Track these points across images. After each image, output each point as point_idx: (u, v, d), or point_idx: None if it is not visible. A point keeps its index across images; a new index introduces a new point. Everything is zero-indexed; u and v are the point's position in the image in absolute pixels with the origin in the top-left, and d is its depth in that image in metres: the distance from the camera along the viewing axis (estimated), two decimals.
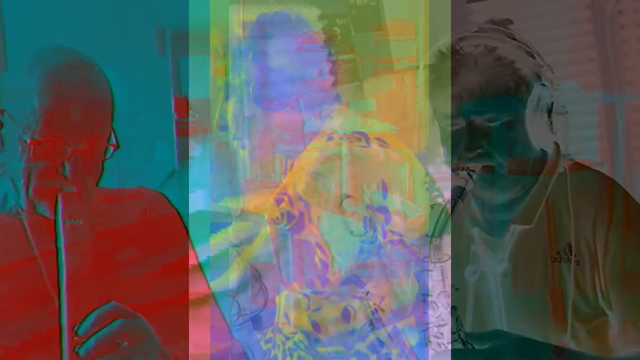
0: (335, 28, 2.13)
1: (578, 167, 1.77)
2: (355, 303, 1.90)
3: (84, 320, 1.43)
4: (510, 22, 1.75)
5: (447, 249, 1.62)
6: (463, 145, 1.70)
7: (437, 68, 1.73)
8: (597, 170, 1.80)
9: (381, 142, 1.99)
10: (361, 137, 1.98)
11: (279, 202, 1.94)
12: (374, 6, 2.26)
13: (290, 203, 1.92)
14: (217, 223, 1.98)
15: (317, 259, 1.90)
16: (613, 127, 2.45)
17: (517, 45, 1.70)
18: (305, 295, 1.92)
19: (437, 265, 1.59)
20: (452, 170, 1.71)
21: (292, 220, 1.92)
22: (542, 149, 1.76)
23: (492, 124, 1.68)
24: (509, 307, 1.74)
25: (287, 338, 1.95)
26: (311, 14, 2.03)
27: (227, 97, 2.05)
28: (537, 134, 1.70)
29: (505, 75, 1.68)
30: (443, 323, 1.58)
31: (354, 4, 2.23)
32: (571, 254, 1.69)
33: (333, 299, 1.91)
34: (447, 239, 1.63)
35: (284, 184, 1.97)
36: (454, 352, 1.57)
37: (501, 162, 1.70)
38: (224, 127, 2.05)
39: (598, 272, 1.68)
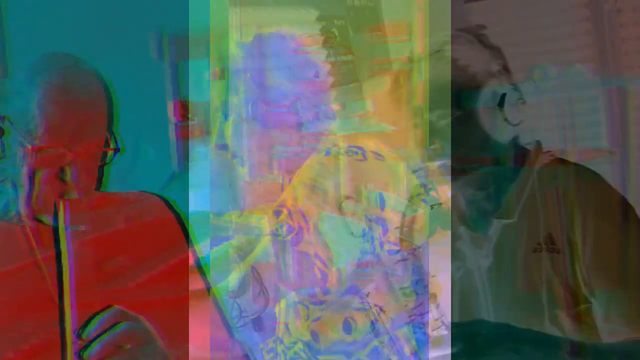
0: (333, 30, 2.14)
1: (558, 161, 1.82)
2: (356, 314, 1.91)
3: (87, 324, 1.44)
4: (484, 27, 1.81)
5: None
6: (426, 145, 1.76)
7: (427, 69, 1.78)
8: (578, 164, 1.84)
9: (377, 155, 2.01)
10: (358, 150, 2.01)
11: (277, 214, 1.96)
12: (372, 7, 2.26)
13: (289, 215, 1.94)
14: (218, 237, 2.00)
15: (316, 270, 1.93)
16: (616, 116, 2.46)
17: (480, 48, 1.77)
18: (305, 305, 1.94)
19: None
20: (414, 172, 1.78)
21: (291, 232, 1.94)
22: (523, 146, 1.82)
23: (444, 121, 1.73)
24: (494, 299, 1.78)
25: (288, 348, 1.96)
26: (306, 25, 2.06)
27: (225, 117, 2.07)
28: (494, 127, 1.75)
29: (459, 74, 1.75)
30: (426, 311, 1.63)
31: (351, 5, 2.24)
32: (552, 244, 1.73)
33: (333, 310, 1.92)
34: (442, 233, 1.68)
35: (283, 197, 1.99)
36: (435, 339, 1.61)
37: (461, 157, 1.74)
38: (223, 147, 2.07)
39: (579, 261, 1.71)
